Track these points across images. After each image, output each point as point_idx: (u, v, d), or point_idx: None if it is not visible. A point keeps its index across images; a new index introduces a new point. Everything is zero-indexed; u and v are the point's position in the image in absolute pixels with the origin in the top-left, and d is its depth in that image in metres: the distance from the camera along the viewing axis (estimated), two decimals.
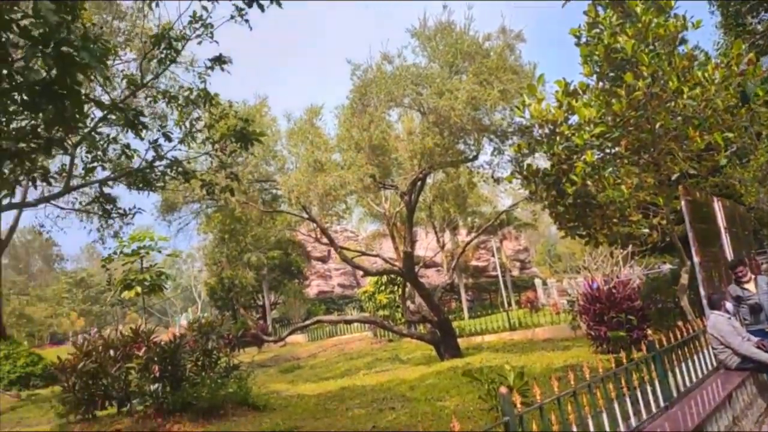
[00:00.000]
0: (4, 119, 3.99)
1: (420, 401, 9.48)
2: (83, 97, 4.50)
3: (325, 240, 16.36)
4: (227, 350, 10.47)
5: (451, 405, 8.76)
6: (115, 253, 10.82)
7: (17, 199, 10.98)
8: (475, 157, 14.10)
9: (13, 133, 4.10)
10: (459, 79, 12.32)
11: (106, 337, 10.18)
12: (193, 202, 13.81)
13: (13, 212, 23.91)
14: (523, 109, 6.76)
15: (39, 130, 3.99)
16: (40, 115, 4.00)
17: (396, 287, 23.29)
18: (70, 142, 7.11)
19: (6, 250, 23.88)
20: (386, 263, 17.30)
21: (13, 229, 23.34)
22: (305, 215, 15.00)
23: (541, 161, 8.99)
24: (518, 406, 3.31)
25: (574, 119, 6.70)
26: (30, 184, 6.50)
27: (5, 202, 6.64)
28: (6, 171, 6.58)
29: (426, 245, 30.87)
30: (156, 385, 9.55)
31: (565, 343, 14.85)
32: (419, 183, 14.78)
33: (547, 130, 6.61)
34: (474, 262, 41.14)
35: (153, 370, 9.41)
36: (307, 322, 14.22)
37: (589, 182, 6.32)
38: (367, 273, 19.17)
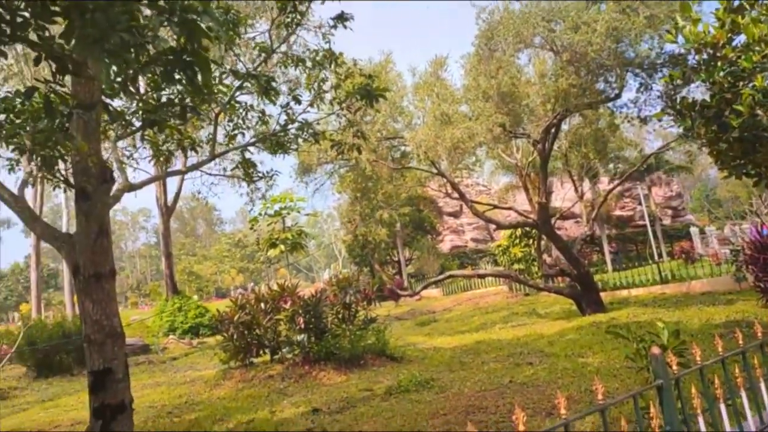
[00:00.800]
0: (148, 91, 4.32)
1: (560, 357, 9.11)
2: (215, 64, 4.67)
3: (455, 194, 16.14)
4: (364, 304, 10.88)
5: (594, 362, 8.30)
6: (260, 214, 11.60)
7: (177, 167, 12.20)
8: (617, 96, 12.80)
9: (153, 103, 4.41)
10: (597, 10, 11.15)
11: (257, 292, 11.08)
12: (327, 163, 14.33)
13: (176, 181, 26.80)
14: (676, 34, 5.87)
15: (176, 99, 4.27)
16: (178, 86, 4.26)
17: (531, 240, 22.51)
18: (213, 112, 7.63)
19: (173, 215, 26.87)
20: (520, 216, 16.71)
21: (177, 195, 26.19)
22: (434, 170, 14.86)
23: (697, 93, 7.90)
24: (674, 367, 2.95)
25: (740, 39, 5.71)
26: (182, 153, 7.11)
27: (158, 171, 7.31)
28: (159, 141, 7.26)
29: (563, 196, 29.32)
30: (302, 336, 10.25)
31: (728, 297, 13.32)
32: (553, 129, 13.88)
33: (705, 56, 5.69)
34: (617, 212, 38.38)
35: (298, 322, 10.08)
36: (440, 277, 14.31)
37: (759, 111, 5.38)
38: (499, 226, 18.70)
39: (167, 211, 25.37)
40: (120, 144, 8.19)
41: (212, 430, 6.89)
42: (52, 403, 11.47)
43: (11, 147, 5.46)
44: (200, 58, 3.51)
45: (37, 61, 3.34)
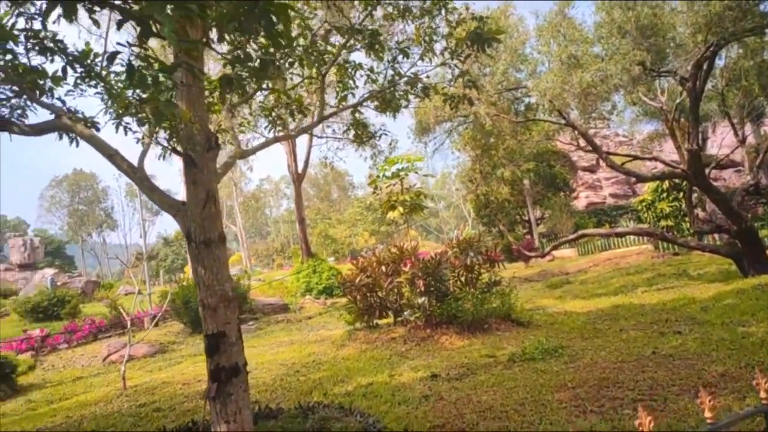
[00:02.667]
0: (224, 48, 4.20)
1: (714, 325, 7.94)
2: (295, 13, 4.40)
3: (588, 147, 14.74)
4: (487, 266, 10.37)
5: (759, 332, 7.08)
6: (378, 176, 11.47)
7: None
8: None
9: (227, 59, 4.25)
10: None
11: (377, 255, 11.06)
12: (444, 121, 13.76)
13: (306, 148, 27.82)
14: None
15: (252, 53, 4.09)
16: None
17: (681, 194, 20.14)
18: (321, 74, 7.47)
19: (308, 181, 28.05)
20: (667, 166, 14.84)
21: (306, 162, 27.27)
22: (563, 121, 13.63)
23: None
24: None
25: None
26: (290, 117, 7.08)
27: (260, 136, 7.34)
28: (269, 106, 7.28)
29: (719, 142, 25.83)
30: (423, 299, 10.06)
31: None
32: (706, 64, 11.92)
33: None
34: None
35: (418, 285, 9.88)
36: (572, 236, 13.23)
37: None
38: (641, 179, 16.85)
39: (298, 178, 26.54)
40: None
41: (333, 391, 6.96)
42: (201, 358, 12.58)
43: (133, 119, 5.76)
44: (276, 5, 3.23)
45: (119, 24, 3.31)
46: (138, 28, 3.47)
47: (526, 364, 7.12)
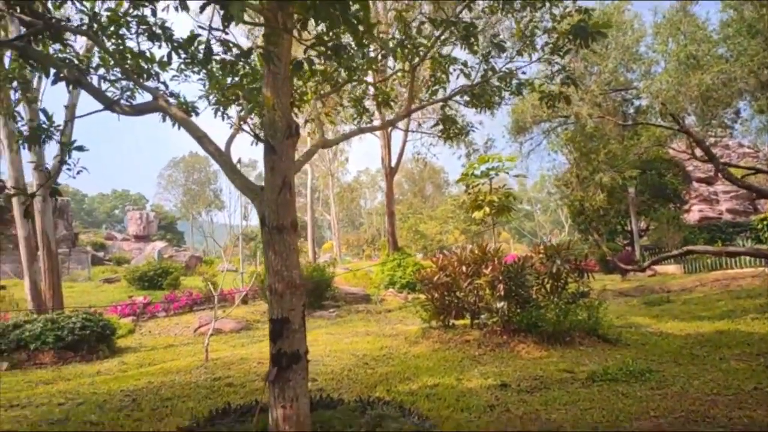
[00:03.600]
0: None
1: None
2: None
3: (704, 156, 13.46)
4: (576, 275, 9.78)
5: None
6: (466, 174, 11.20)
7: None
8: None
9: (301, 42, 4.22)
10: None
11: (459, 254, 10.80)
12: (543, 121, 13.13)
13: (400, 142, 27.89)
14: None
15: (325, 37, 4.03)
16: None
17: None
18: (412, 66, 7.36)
19: (400, 175, 28.11)
20: None
21: (400, 156, 27.38)
22: (677, 126, 12.53)
23: None
24: None
25: None
26: (377, 109, 7.02)
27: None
28: (358, 97, 7.28)
29: None
30: (502, 303, 9.68)
31: None
32: None
33: None
34: None
35: (498, 289, 9.52)
36: (675, 252, 12.12)
37: None
38: (763, 195, 15.15)
39: (391, 171, 26.70)
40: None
41: (397, 388, 6.86)
42: None
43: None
44: None
45: (202, 8, 3.38)
46: (221, 12, 3.55)
47: (606, 384, 6.61)
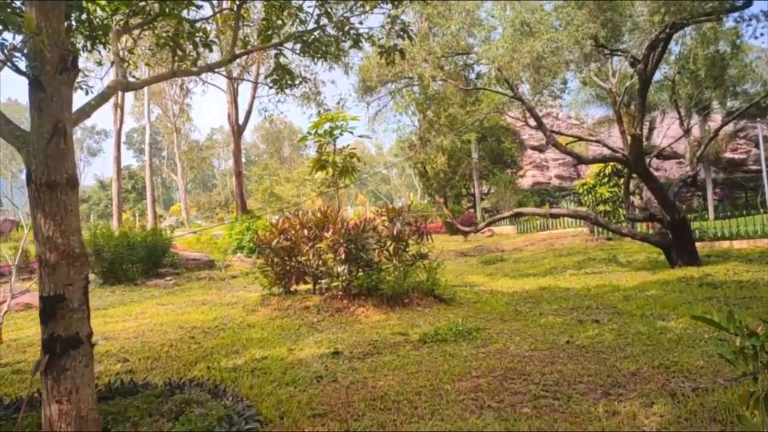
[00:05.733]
0: None
1: (634, 317, 7.70)
2: None
3: (533, 123, 14.30)
4: (416, 238, 9.81)
5: (677, 328, 6.84)
6: (309, 133, 10.63)
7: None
8: (748, 3, 10.19)
9: None
10: None
11: (300, 217, 10.30)
12: (389, 81, 12.94)
13: (247, 98, 26.36)
14: None
15: None
16: None
17: (621, 179, 20.23)
18: (237, 4, 6.52)
19: (243, 132, 26.61)
20: (609, 150, 14.65)
21: (248, 113, 25.89)
22: (510, 93, 13.07)
23: None
24: None
25: None
26: (193, 48, 6.13)
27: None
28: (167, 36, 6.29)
29: (664, 133, 26.19)
30: (343, 267, 9.43)
31: None
32: (660, 47, 11.54)
33: None
34: (728, 154, 34.21)
35: (339, 252, 9.23)
36: (506, 214, 12.90)
37: None
38: (582, 161, 16.70)
39: (238, 129, 25.18)
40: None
41: (221, 363, 6.27)
42: (102, 312, 11.60)
43: None
44: None
45: None
46: None
47: (436, 345, 6.63)
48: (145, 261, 16.69)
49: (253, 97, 25.02)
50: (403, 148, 30.81)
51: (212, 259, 20.14)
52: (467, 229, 15.06)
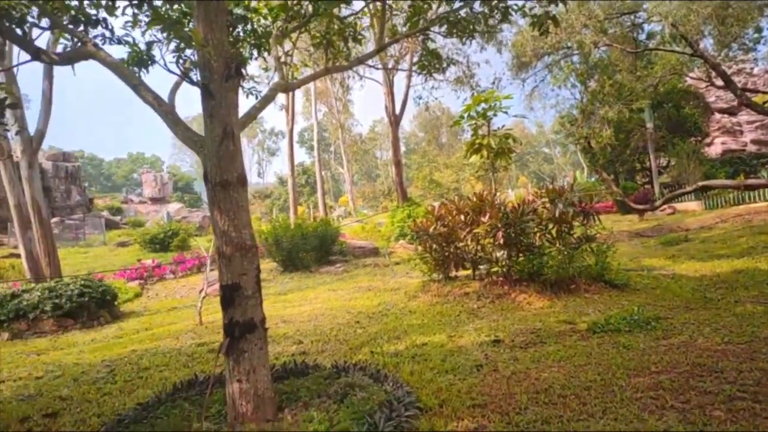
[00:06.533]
0: None
1: None
2: None
3: (720, 82, 12.41)
4: (581, 219, 9.10)
5: None
6: (462, 117, 10.45)
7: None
8: None
9: None
10: None
11: (456, 202, 10.19)
12: (545, 54, 12.14)
13: (403, 88, 26.78)
14: None
15: None
16: None
17: None
18: None
19: (400, 121, 27.17)
20: None
21: (404, 102, 26.37)
22: (690, 51, 11.46)
23: None
24: None
25: None
26: (344, 45, 6.31)
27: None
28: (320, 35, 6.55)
29: None
30: (502, 252, 9.14)
31: None
32: None
33: None
34: None
35: (497, 237, 8.95)
36: (688, 189, 11.29)
37: None
38: None
39: (395, 119, 25.80)
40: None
41: (383, 348, 6.44)
42: (282, 297, 12.73)
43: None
44: None
45: None
46: None
47: (607, 336, 6.08)
48: (318, 249, 17.95)
49: (408, 87, 25.44)
50: (563, 123, 28.85)
51: (377, 246, 21.00)
52: (642, 207, 13.63)
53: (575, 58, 13.81)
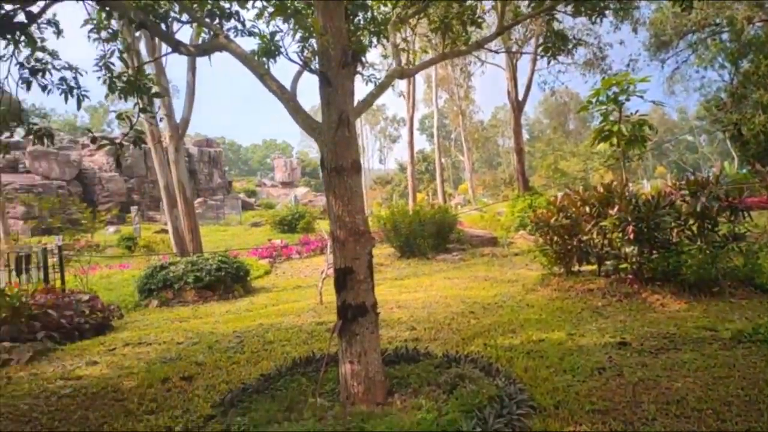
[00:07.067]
0: None
1: None
2: None
3: None
4: (728, 214, 8.11)
5: None
6: (589, 102, 9.78)
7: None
8: None
9: None
10: None
11: (581, 193, 9.57)
12: (689, 32, 10.88)
13: (527, 73, 25.77)
14: None
15: None
16: None
17: None
18: None
19: (523, 108, 26.10)
20: None
21: (528, 88, 25.33)
22: None
23: None
24: None
25: None
26: (462, 29, 6.12)
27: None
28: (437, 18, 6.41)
29: None
30: (632, 248, 8.45)
31: None
32: None
33: None
34: None
35: (627, 231, 8.27)
36: None
37: None
38: None
39: (518, 105, 24.88)
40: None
41: (497, 341, 6.25)
42: (398, 282, 12.89)
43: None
44: None
45: None
46: None
47: (755, 346, 5.38)
48: (435, 236, 17.92)
49: (532, 71, 24.39)
50: (709, 109, 25.80)
51: (495, 236, 20.52)
52: None
53: (724, 36, 12.16)
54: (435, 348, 6.05)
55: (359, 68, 5.13)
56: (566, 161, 68.93)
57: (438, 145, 40.06)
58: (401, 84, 31.15)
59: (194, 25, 5.82)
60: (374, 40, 6.48)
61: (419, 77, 43.05)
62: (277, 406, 4.27)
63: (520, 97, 24.92)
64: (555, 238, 9.55)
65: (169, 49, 5.02)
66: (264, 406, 4.28)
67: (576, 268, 9.85)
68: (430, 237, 17.69)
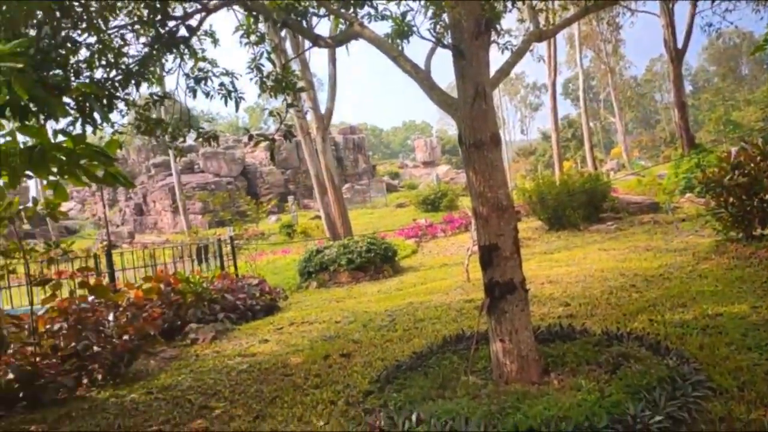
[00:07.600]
0: None
1: None
2: None
3: None
4: None
5: None
6: (765, 41, 8.40)
7: None
8: None
9: None
10: None
11: (761, 145, 8.29)
12: None
13: (686, 17, 22.88)
14: None
15: None
16: None
17: None
18: None
19: (683, 57, 23.29)
20: None
21: (688, 34, 22.45)
22: None
23: None
24: None
25: None
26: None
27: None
28: None
29: None
30: None
31: None
32: None
33: None
34: None
35: None
36: None
37: None
38: None
39: (677, 54, 22.19)
40: None
41: (665, 317, 5.70)
42: (548, 256, 12.37)
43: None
44: None
45: None
46: None
47: None
48: (586, 206, 16.88)
49: (693, 14, 21.47)
50: None
51: (656, 201, 18.75)
52: None
53: None
54: (592, 325, 5.70)
55: (494, 37, 4.94)
56: (740, 111, 60.58)
57: (585, 108, 37.45)
58: (540, 48, 29.51)
59: (331, 17, 6.02)
60: (509, 4, 6.18)
61: (560, 37, 40.51)
62: (431, 384, 4.33)
63: (680, 45, 22.18)
64: (730, 199, 8.42)
65: (310, 44, 5.28)
66: (418, 383, 4.37)
67: (758, 231, 8.62)
68: (580, 207, 16.70)
